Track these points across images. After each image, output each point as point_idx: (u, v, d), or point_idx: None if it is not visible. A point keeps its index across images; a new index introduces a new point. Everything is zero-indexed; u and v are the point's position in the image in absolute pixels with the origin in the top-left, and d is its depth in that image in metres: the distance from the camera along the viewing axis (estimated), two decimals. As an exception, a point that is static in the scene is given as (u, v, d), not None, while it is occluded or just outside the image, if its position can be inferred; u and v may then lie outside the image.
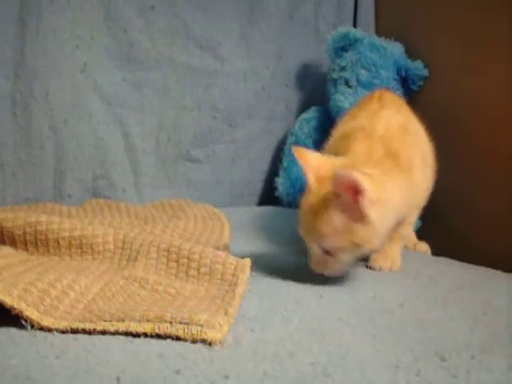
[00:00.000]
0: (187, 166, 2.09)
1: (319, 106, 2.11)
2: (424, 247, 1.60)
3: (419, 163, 1.31)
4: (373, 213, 1.12)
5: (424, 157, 1.37)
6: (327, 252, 1.17)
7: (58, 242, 1.26)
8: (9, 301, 0.90)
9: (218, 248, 1.37)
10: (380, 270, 1.34)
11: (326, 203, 1.14)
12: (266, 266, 1.29)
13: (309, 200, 1.19)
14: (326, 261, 1.19)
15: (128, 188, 2.00)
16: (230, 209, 1.91)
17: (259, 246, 1.49)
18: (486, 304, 1.10)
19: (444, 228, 1.60)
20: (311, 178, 1.18)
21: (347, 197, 1.10)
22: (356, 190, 1.08)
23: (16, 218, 1.28)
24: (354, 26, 2.22)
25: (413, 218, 1.42)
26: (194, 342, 0.87)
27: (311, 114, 2.08)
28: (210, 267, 1.14)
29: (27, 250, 1.27)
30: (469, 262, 1.46)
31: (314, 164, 1.19)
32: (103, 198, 1.92)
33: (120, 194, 1.98)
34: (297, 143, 1.99)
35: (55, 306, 0.94)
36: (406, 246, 1.50)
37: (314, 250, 1.19)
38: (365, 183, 1.08)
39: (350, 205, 1.11)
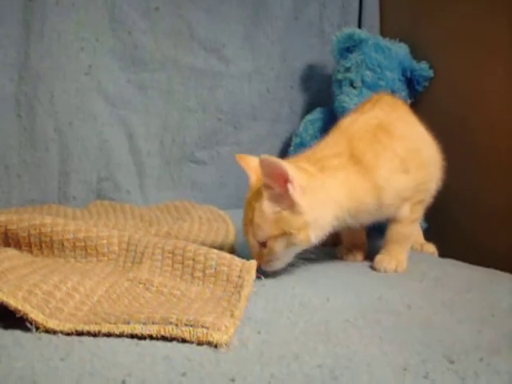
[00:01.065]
0: (192, 168, 2.09)
1: (324, 107, 2.10)
2: (431, 248, 1.59)
3: (392, 165, 1.31)
4: (302, 200, 1.18)
5: (415, 158, 1.35)
6: (263, 244, 1.23)
7: (63, 244, 1.26)
8: (13, 303, 0.90)
9: (223, 250, 1.37)
10: (385, 271, 1.33)
11: (258, 196, 1.22)
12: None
13: (247, 196, 1.29)
14: (262, 254, 1.24)
15: (133, 190, 2.00)
16: (235, 210, 1.89)
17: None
18: (493, 306, 1.10)
19: (450, 229, 1.59)
20: (252, 177, 1.28)
21: (277, 186, 1.18)
22: (284, 179, 1.16)
23: (21, 220, 1.28)
24: (359, 27, 2.22)
25: (408, 214, 1.36)
26: (200, 344, 0.86)
27: (316, 115, 2.07)
28: (215, 269, 1.13)
29: (32, 251, 1.27)
30: (475, 264, 1.45)
31: (254, 165, 1.27)
32: (108, 200, 1.93)
33: (124, 196, 1.98)
34: (302, 144, 1.99)
35: (60, 308, 0.94)
36: (412, 247, 1.49)
37: (251, 242, 1.26)
38: (291, 171, 1.16)
39: (280, 194, 1.19)
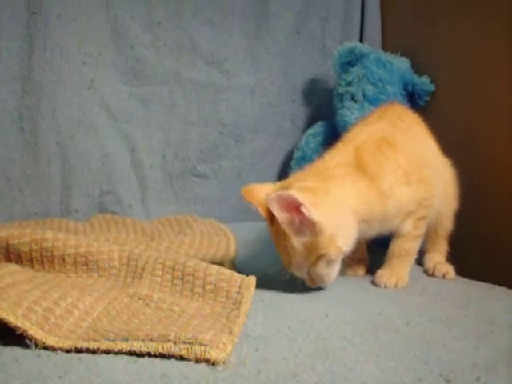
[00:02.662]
0: (194, 182, 2.10)
1: (326, 121, 2.10)
2: (445, 268, 1.49)
3: (395, 175, 1.31)
4: (319, 217, 1.17)
5: (417, 172, 1.35)
6: (308, 273, 1.25)
7: (64, 259, 1.26)
8: (13, 320, 0.91)
9: (223, 265, 1.37)
10: (385, 287, 1.33)
11: (283, 234, 1.21)
12: (271, 283, 1.29)
13: (273, 237, 1.27)
14: (313, 279, 1.26)
15: (135, 203, 2.01)
16: (236, 224, 1.91)
17: (265, 261, 1.48)
18: (491, 322, 1.09)
19: (449, 244, 1.59)
20: (263, 213, 1.25)
21: (293, 215, 1.17)
22: (296, 205, 1.16)
23: (22, 234, 1.28)
24: (361, 41, 2.23)
25: (411, 230, 1.37)
26: (198, 361, 0.87)
27: (318, 128, 2.08)
28: (215, 285, 1.14)
29: (33, 267, 1.28)
30: (475, 279, 1.45)
31: (262, 197, 1.25)
32: (110, 213, 1.93)
33: (127, 210, 1.99)
34: (303, 158, 1.99)
35: (59, 324, 0.95)
36: (427, 267, 1.50)
37: (300, 274, 1.26)
38: (296, 194, 1.16)
39: (300, 223, 1.18)
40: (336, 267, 1.27)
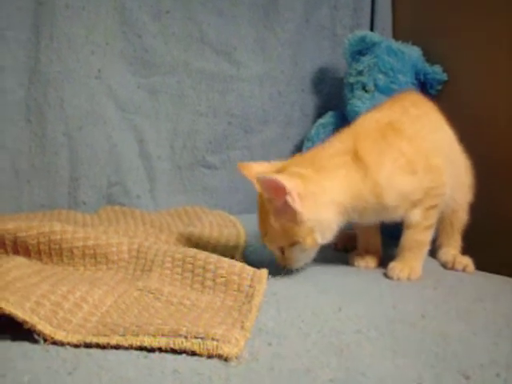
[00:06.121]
0: (203, 172, 2.07)
1: (336, 111, 2.07)
2: (465, 261, 1.45)
3: (395, 164, 1.29)
4: (302, 207, 1.20)
5: (424, 160, 1.32)
6: (281, 251, 1.29)
7: (72, 252, 1.25)
8: (21, 314, 0.89)
9: (233, 257, 1.35)
10: (398, 279, 1.31)
11: (266, 208, 1.25)
12: (282, 275, 1.28)
13: (258, 207, 1.31)
14: (283, 257, 1.30)
15: (143, 195, 1.99)
16: (246, 215, 1.88)
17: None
18: (509, 316, 1.07)
19: (463, 235, 1.56)
20: (257, 186, 1.26)
21: (278, 199, 1.20)
22: (283, 191, 1.18)
23: (29, 227, 1.27)
24: (371, 29, 2.20)
25: (420, 220, 1.33)
26: (210, 357, 0.85)
27: (328, 119, 2.05)
28: (226, 278, 1.12)
29: (41, 259, 1.26)
30: (489, 271, 1.43)
31: (257, 171, 1.29)
32: (118, 205, 1.91)
33: (135, 201, 1.97)
34: (314, 148, 1.97)
35: (68, 319, 0.93)
36: (445, 261, 1.47)
37: (270, 249, 1.31)
38: (287, 182, 1.17)
39: (282, 206, 1.20)
40: (309, 254, 1.30)
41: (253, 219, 1.79)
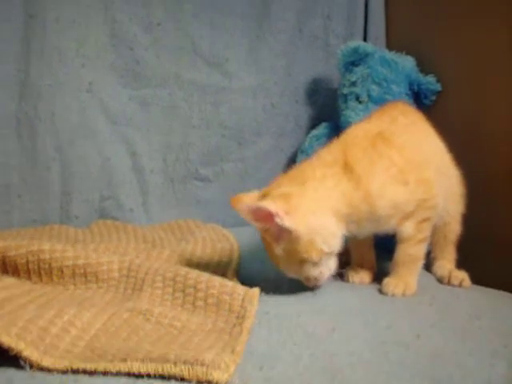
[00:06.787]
0: (196, 185, 2.06)
1: (329, 122, 2.06)
2: (461, 275, 1.43)
3: (387, 174, 1.27)
4: (293, 223, 1.18)
5: (415, 171, 1.30)
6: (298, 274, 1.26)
7: (62, 271, 1.24)
8: (6, 341, 0.87)
9: (226, 274, 1.34)
10: (393, 295, 1.29)
11: (266, 242, 1.25)
12: (275, 292, 1.25)
13: (263, 242, 1.29)
14: (306, 279, 1.26)
15: (136, 208, 1.97)
16: (240, 228, 1.86)
17: (268, 266, 1.43)
18: (505, 335, 1.05)
19: (458, 249, 1.55)
20: (251, 222, 1.23)
21: (269, 224, 1.19)
22: (270, 215, 1.17)
23: (19, 246, 1.25)
24: (365, 39, 2.19)
25: (413, 233, 1.31)
26: (199, 382, 0.83)
27: (321, 130, 2.03)
28: (217, 298, 1.10)
29: (30, 279, 1.25)
30: (485, 284, 1.41)
31: (247, 203, 1.24)
32: (111, 219, 1.90)
33: (128, 215, 1.95)
34: (307, 160, 1.95)
35: (55, 344, 0.91)
36: (441, 276, 1.45)
37: (291, 275, 1.27)
38: (267, 205, 1.17)
39: (277, 231, 1.19)
40: (328, 264, 1.26)
41: (246, 232, 1.79)
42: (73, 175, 1.88)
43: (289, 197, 1.21)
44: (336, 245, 1.25)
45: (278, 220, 1.16)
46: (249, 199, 1.26)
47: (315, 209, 1.22)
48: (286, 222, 1.17)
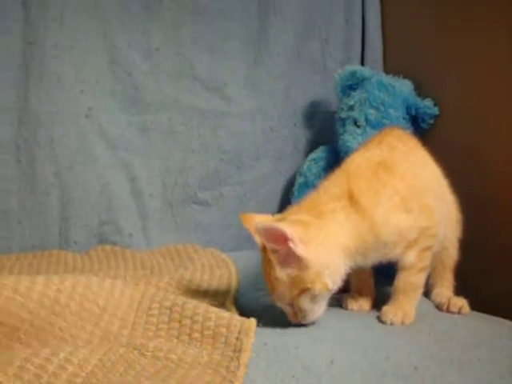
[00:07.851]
0: (195, 209, 2.06)
1: (328, 146, 2.06)
2: (460, 302, 1.42)
3: (391, 202, 1.28)
4: (306, 253, 1.18)
5: (417, 198, 1.32)
6: (290, 305, 1.24)
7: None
8: (4, 380, 0.87)
9: (225, 303, 1.34)
10: (391, 324, 1.29)
11: (269, 264, 1.22)
12: (273, 319, 1.25)
13: (262, 263, 1.27)
14: (295, 312, 1.24)
15: (135, 233, 1.98)
16: (239, 252, 1.87)
17: (266, 293, 1.44)
18: (503, 366, 1.05)
19: (456, 274, 1.54)
20: (258, 239, 1.26)
21: (280, 247, 1.18)
22: (284, 238, 1.16)
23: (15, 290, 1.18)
24: (362, 63, 2.19)
25: (415, 261, 1.31)
26: (197, 421, 0.83)
27: (319, 153, 2.04)
28: (213, 330, 1.10)
29: None
30: (482, 311, 1.41)
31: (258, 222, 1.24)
32: (110, 244, 1.91)
33: (127, 239, 1.96)
34: (306, 184, 1.96)
35: (52, 382, 0.91)
36: (440, 303, 1.44)
37: (281, 306, 1.26)
38: (288, 228, 1.16)
39: (286, 254, 1.18)
40: (321, 304, 1.25)
41: (245, 256, 1.79)
42: (72, 200, 1.89)
43: (306, 225, 1.22)
44: (338, 283, 1.25)
45: (291, 244, 1.16)
46: (261, 219, 1.28)
47: (330, 244, 1.23)
48: (299, 248, 1.17)
